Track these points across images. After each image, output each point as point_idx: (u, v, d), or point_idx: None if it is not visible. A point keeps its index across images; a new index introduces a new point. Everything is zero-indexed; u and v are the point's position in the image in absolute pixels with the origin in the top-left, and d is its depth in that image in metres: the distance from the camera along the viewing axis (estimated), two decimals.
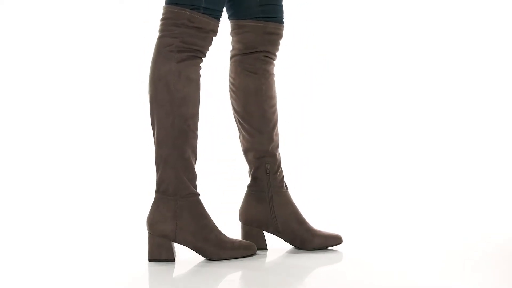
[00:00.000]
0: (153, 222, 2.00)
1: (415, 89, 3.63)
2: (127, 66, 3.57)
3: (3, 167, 3.42)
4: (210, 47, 2.04)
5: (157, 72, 1.98)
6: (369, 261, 2.05)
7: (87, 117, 3.55)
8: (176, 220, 1.99)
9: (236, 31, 2.18)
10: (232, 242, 2.04)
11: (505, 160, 3.46)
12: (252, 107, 2.16)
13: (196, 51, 2.01)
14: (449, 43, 3.64)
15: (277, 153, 2.20)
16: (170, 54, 1.98)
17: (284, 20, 2.20)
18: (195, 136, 2.01)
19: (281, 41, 2.21)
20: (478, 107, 3.60)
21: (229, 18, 2.20)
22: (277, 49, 2.21)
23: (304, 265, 1.99)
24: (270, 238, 2.22)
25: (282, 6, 2.20)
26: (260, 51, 2.17)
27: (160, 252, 2.00)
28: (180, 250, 2.10)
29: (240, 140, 2.21)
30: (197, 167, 2.05)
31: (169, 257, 2.01)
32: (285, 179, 2.23)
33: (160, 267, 1.97)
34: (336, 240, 2.18)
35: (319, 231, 2.18)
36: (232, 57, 2.21)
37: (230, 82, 2.20)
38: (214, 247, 2.02)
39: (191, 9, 1.98)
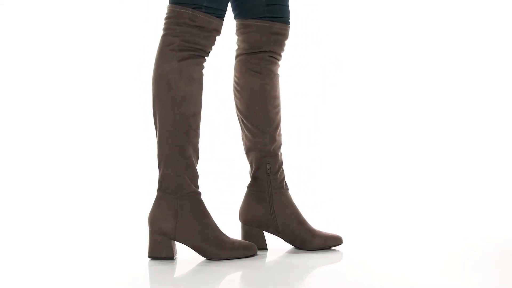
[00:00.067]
0: (154, 220, 2.00)
1: (423, 91, 3.63)
2: (127, 66, 3.57)
3: (3, 167, 3.42)
4: (213, 47, 2.04)
5: (159, 70, 1.99)
6: (369, 261, 2.06)
7: (87, 117, 3.55)
8: (177, 218, 2.00)
9: (241, 30, 2.18)
10: (232, 242, 2.04)
11: (505, 160, 3.46)
12: (256, 107, 2.16)
13: (198, 50, 2.01)
14: (461, 45, 3.64)
15: (279, 154, 2.20)
16: (171, 53, 1.99)
17: (290, 20, 2.20)
18: (196, 135, 2.02)
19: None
20: (478, 108, 3.60)
21: (234, 18, 2.20)
22: (282, 50, 2.21)
23: (304, 265, 1.99)
24: (270, 238, 2.21)
25: (288, 6, 2.19)
26: (265, 51, 2.17)
27: (160, 250, 2.00)
28: (181, 249, 2.10)
29: (242, 139, 2.21)
30: (197, 167, 2.05)
31: (169, 255, 2.01)
32: (286, 179, 2.23)
33: (160, 267, 1.97)
34: (336, 240, 2.18)
35: (319, 231, 2.18)
36: (237, 56, 2.21)
37: (235, 81, 2.20)
38: (214, 247, 2.02)
39: (193, 8, 1.98)
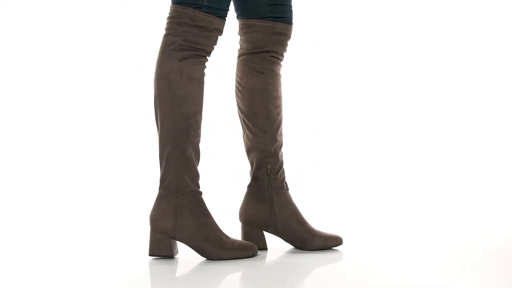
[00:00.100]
0: (154, 218, 2.01)
1: (423, 91, 3.63)
2: (127, 66, 3.57)
3: (2, 167, 3.42)
4: (215, 46, 2.05)
5: (160, 70, 2.00)
6: (369, 261, 2.06)
7: (87, 117, 3.55)
8: (177, 217, 2.00)
9: (244, 30, 2.18)
10: (232, 242, 2.04)
11: (505, 160, 3.46)
12: (258, 106, 2.17)
13: (199, 50, 2.01)
14: (461, 45, 3.64)
15: (280, 154, 2.20)
16: (172, 53, 2.00)
17: (293, 21, 2.20)
18: (196, 135, 2.02)
19: (292, 42, 2.21)
20: (478, 108, 3.60)
21: (237, 17, 2.20)
22: (284, 50, 2.21)
23: (304, 265, 1.99)
24: (270, 238, 2.21)
25: (291, 6, 2.19)
26: (268, 51, 2.17)
27: (160, 248, 2.01)
28: (182, 249, 2.10)
29: (243, 139, 2.21)
30: (198, 167, 2.05)
31: (168, 254, 2.02)
32: (287, 180, 2.23)
33: (161, 266, 1.97)
34: (336, 241, 2.18)
35: (319, 231, 2.18)
36: (239, 56, 2.21)
37: (237, 81, 2.20)
38: (213, 247, 2.02)
39: (193, 8, 1.99)
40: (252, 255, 2.05)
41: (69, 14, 3.57)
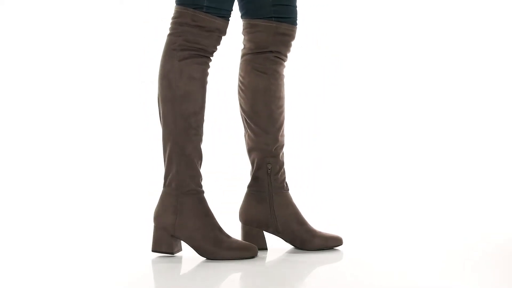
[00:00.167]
0: (157, 215, 2.05)
1: (423, 91, 3.63)
2: (127, 66, 3.57)
3: (9, 166, 3.42)
4: (218, 46, 2.06)
5: (161, 70, 2.03)
6: (369, 261, 2.06)
7: (87, 116, 3.55)
8: (176, 215, 2.02)
9: (248, 30, 2.18)
10: (231, 242, 2.04)
11: (505, 160, 3.46)
12: (260, 106, 2.17)
13: (200, 50, 2.02)
14: (461, 45, 3.64)
15: (281, 154, 2.20)
16: (173, 53, 2.02)
17: (297, 21, 2.20)
18: (197, 134, 2.03)
19: (293, 42, 2.21)
20: (478, 108, 3.60)
21: (241, 17, 2.20)
22: (288, 50, 2.21)
23: (304, 265, 1.99)
24: (270, 238, 2.22)
25: (295, 7, 2.19)
26: (271, 51, 2.17)
27: (160, 245, 2.04)
28: (184, 247, 2.11)
29: (245, 139, 2.21)
30: (200, 166, 2.06)
31: (168, 250, 2.04)
32: (287, 180, 2.23)
33: (161, 265, 1.97)
34: (336, 241, 2.18)
35: (320, 232, 2.18)
36: (242, 56, 2.21)
37: (239, 80, 2.20)
38: (211, 246, 2.02)
39: (194, 8, 2.01)
40: (252, 256, 2.04)
41: (69, 14, 3.57)
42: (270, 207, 2.17)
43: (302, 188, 3.02)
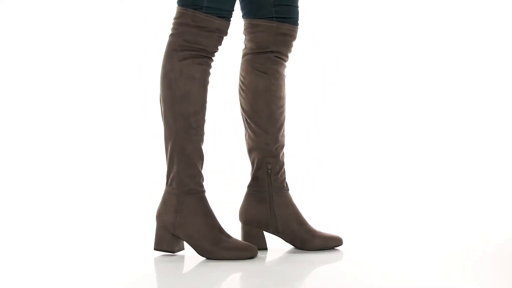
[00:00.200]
0: (158, 214, 2.07)
1: (423, 91, 3.63)
2: (127, 66, 3.57)
3: (15, 165, 3.43)
4: (219, 46, 2.06)
5: (162, 70, 2.05)
6: (369, 261, 2.06)
7: (89, 116, 3.55)
8: (177, 214, 2.03)
9: (249, 30, 2.18)
10: (230, 242, 2.04)
11: (505, 160, 3.46)
12: (260, 106, 2.17)
13: (200, 50, 2.03)
14: (461, 45, 3.64)
15: (281, 154, 2.20)
16: (173, 53, 2.03)
17: (299, 21, 2.20)
18: (197, 134, 2.04)
19: (294, 42, 2.21)
20: (478, 108, 3.60)
21: (242, 17, 2.20)
22: (289, 51, 2.21)
23: (304, 265, 1.99)
24: (270, 238, 2.22)
25: (297, 7, 2.19)
26: (272, 51, 2.17)
27: (161, 243, 2.06)
28: (186, 246, 2.12)
29: (245, 139, 2.21)
30: (201, 166, 2.07)
31: (169, 249, 2.05)
32: (287, 180, 2.23)
33: (161, 265, 1.97)
34: (336, 241, 2.18)
35: (320, 232, 2.18)
36: (243, 55, 2.21)
37: (240, 80, 2.20)
38: (209, 246, 2.03)
39: (193, 9, 2.02)
40: (251, 256, 2.04)
41: (69, 14, 3.56)
42: (270, 207, 2.17)
43: (302, 188, 3.02)
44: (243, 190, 2.23)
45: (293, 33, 2.18)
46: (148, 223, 2.40)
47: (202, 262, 2.01)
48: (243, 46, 2.22)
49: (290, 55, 2.22)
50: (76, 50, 3.57)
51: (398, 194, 3.21)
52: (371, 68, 3.65)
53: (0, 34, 3.55)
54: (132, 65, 3.54)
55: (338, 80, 3.64)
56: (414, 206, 3.01)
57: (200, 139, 2.06)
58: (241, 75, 2.20)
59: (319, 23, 3.58)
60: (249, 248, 2.05)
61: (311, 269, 1.96)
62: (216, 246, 2.02)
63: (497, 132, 3.55)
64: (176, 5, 2.06)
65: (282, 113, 2.19)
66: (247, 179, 2.23)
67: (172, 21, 2.06)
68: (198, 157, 2.05)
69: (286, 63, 2.22)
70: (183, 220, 2.03)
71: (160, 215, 2.06)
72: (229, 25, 2.06)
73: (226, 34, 2.06)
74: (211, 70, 2.06)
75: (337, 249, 2.17)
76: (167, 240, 2.05)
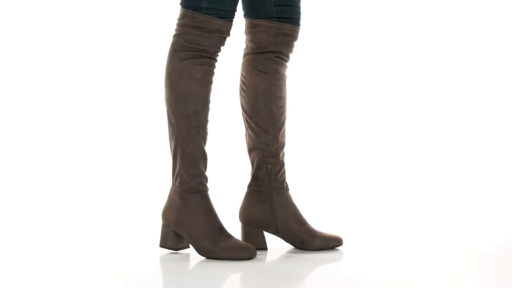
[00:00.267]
0: (163, 211, 2.10)
1: (423, 91, 3.63)
2: (127, 66, 3.57)
3: (20, 166, 3.43)
4: (222, 47, 2.07)
5: (165, 70, 2.08)
6: (369, 261, 2.06)
7: (87, 116, 3.55)
8: (178, 212, 2.05)
9: (249, 29, 2.18)
10: (228, 242, 2.04)
11: (505, 160, 3.46)
12: (260, 106, 2.17)
13: (201, 51, 2.04)
14: (462, 45, 3.64)
15: (281, 155, 2.20)
16: (175, 53, 2.05)
17: (300, 22, 2.20)
18: (198, 133, 2.05)
19: (295, 43, 2.20)
20: (478, 108, 3.60)
21: (244, 16, 2.20)
22: (290, 51, 2.20)
23: (304, 265, 1.99)
24: (270, 238, 2.22)
25: (299, 7, 2.19)
26: (272, 51, 2.17)
27: (165, 240, 2.09)
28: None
29: (246, 139, 2.21)
30: (204, 166, 2.08)
31: (172, 246, 2.08)
32: (287, 180, 2.23)
33: (161, 264, 1.97)
34: (336, 241, 2.18)
35: (320, 232, 2.18)
36: (244, 55, 2.21)
37: (241, 80, 2.20)
38: (207, 245, 2.03)
39: (193, 10, 2.03)
40: (249, 257, 2.03)
41: (69, 14, 3.56)
42: (270, 207, 2.17)
43: (302, 188, 3.02)
44: (243, 190, 2.23)
45: (293, 33, 2.18)
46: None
47: (202, 261, 2.01)
48: (244, 46, 2.22)
49: (291, 55, 2.22)
50: (75, 50, 3.56)
51: (398, 194, 3.20)
52: (371, 68, 3.65)
53: (0, 34, 3.55)
54: (132, 65, 3.54)
55: (338, 80, 3.64)
56: (414, 206, 3.00)
57: (202, 139, 2.06)
58: (242, 75, 2.20)
59: (319, 23, 3.58)
60: (247, 248, 2.04)
61: (311, 269, 1.96)
62: (214, 246, 2.03)
63: (497, 132, 3.55)
64: (180, 6, 2.08)
65: (282, 113, 2.19)
66: (247, 179, 2.23)
67: (176, 21, 2.08)
68: (199, 157, 2.06)
69: (288, 63, 2.22)
70: (184, 219, 2.05)
71: (165, 213, 2.09)
72: (230, 25, 2.06)
73: (227, 34, 2.07)
74: (215, 70, 2.08)
75: (337, 249, 2.17)
76: (171, 238, 2.08)
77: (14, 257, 2.17)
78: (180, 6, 2.07)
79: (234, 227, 2.23)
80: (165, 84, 2.06)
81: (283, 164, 2.20)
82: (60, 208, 3.00)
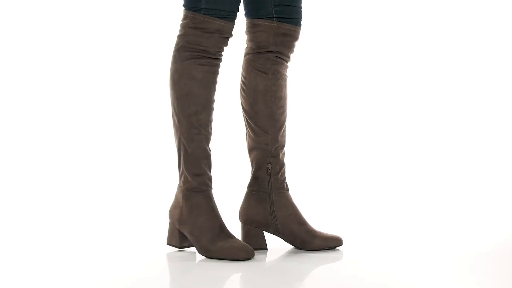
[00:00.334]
0: (170, 209, 2.13)
1: (423, 92, 3.63)
2: (127, 66, 3.57)
3: (22, 167, 3.43)
4: (224, 47, 2.08)
5: (169, 71, 2.09)
6: (369, 261, 2.06)
7: (87, 117, 3.55)
8: (182, 210, 2.07)
9: (250, 29, 2.19)
10: (226, 242, 2.04)
11: (505, 160, 3.46)
12: (260, 106, 2.17)
13: (203, 51, 2.05)
14: (462, 45, 3.64)
15: (281, 155, 2.20)
16: (177, 54, 2.07)
17: (301, 22, 2.19)
18: (199, 133, 2.06)
19: (296, 43, 2.20)
20: (478, 108, 3.60)
21: (244, 16, 2.20)
22: (291, 51, 2.20)
23: (304, 265, 1.99)
24: (270, 238, 2.22)
25: (300, 8, 2.19)
26: (272, 52, 2.17)
27: (171, 238, 2.12)
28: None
29: (246, 138, 2.22)
30: (208, 165, 2.09)
31: (176, 244, 2.11)
32: (287, 180, 2.23)
33: (160, 265, 1.97)
34: (336, 242, 2.18)
35: (320, 232, 2.18)
36: (245, 55, 2.22)
37: (242, 80, 2.20)
38: (206, 244, 2.04)
39: (193, 11, 2.05)
40: (247, 257, 2.02)
41: (69, 14, 3.57)
42: (270, 207, 2.18)
43: (302, 188, 3.02)
44: (243, 190, 2.23)
45: (294, 33, 2.18)
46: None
47: (203, 261, 2.01)
48: (245, 46, 2.23)
49: (292, 55, 2.22)
50: (75, 50, 3.57)
51: (398, 194, 3.20)
52: (371, 68, 3.65)
53: (1, 34, 3.55)
54: (132, 65, 3.55)
55: (338, 80, 3.64)
56: (414, 206, 3.01)
57: (204, 139, 2.07)
58: (242, 75, 2.21)
59: (319, 23, 3.58)
60: (245, 248, 2.04)
61: (311, 269, 1.96)
62: (213, 245, 2.04)
63: (497, 132, 3.55)
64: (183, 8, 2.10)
65: (282, 113, 2.19)
66: (247, 179, 2.23)
67: (179, 22, 2.10)
68: (201, 156, 2.06)
69: (288, 64, 2.22)
70: (185, 217, 2.07)
71: (171, 211, 2.12)
72: (232, 25, 2.06)
73: (229, 34, 2.07)
74: (219, 70, 2.08)
75: (337, 249, 2.17)
76: (176, 236, 2.11)
77: (26, 256, 2.17)
78: (184, 8, 2.08)
79: (234, 227, 2.23)
80: (169, 84, 2.09)
81: (283, 164, 2.20)
82: (71, 207, 3.00)
